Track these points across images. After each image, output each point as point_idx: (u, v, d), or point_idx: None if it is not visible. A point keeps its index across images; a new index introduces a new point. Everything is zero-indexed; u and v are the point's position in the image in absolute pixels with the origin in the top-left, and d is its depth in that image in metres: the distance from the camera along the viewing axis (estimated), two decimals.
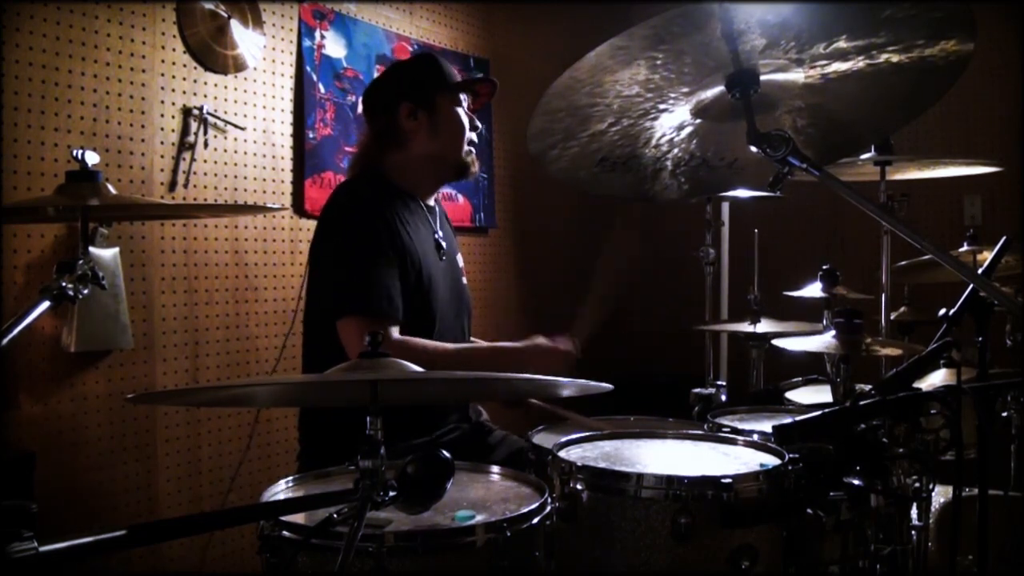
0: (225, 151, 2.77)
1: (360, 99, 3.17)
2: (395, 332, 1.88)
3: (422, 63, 2.21)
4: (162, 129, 2.59)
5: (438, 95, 2.08)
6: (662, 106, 1.43)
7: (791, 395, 2.28)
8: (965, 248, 2.41)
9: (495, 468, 1.52)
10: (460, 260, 2.23)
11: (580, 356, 1.97)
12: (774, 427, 1.45)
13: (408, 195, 2.06)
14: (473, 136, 2.13)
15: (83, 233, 1.50)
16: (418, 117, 2.07)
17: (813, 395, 2.26)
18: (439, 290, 2.02)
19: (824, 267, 2.19)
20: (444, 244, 2.12)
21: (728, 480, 1.29)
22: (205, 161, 2.70)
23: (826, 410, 1.46)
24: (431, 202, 2.17)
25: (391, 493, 1.02)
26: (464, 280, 2.22)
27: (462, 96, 2.11)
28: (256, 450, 2.85)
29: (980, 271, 1.61)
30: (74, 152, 1.40)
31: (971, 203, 3.44)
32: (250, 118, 2.83)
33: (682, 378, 2.50)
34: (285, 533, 1.20)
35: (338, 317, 1.87)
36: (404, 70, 2.23)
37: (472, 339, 2.24)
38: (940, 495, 1.96)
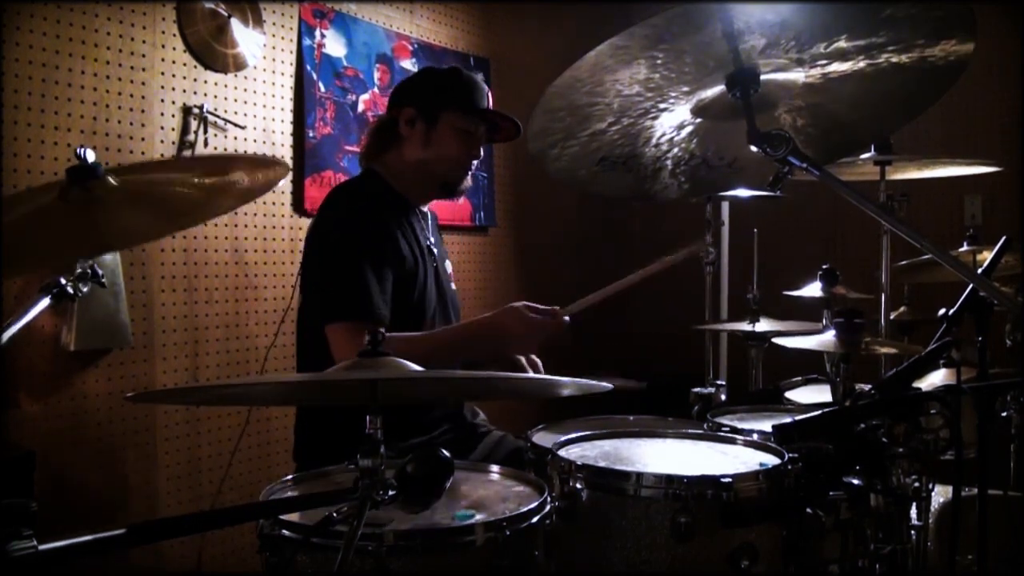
0: (225, 150, 2.76)
1: (360, 97, 3.19)
2: None
3: (445, 76, 2.16)
4: (162, 128, 2.59)
5: (443, 111, 2.06)
6: (662, 105, 1.43)
7: (791, 395, 2.28)
8: (965, 248, 2.41)
9: (495, 467, 1.52)
10: (449, 267, 2.23)
11: (565, 329, 1.94)
12: (774, 427, 1.45)
13: (402, 199, 2.07)
14: (473, 163, 2.11)
15: None
16: (415, 125, 2.06)
17: (813, 395, 2.26)
18: (430, 296, 2.03)
19: (824, 267, 2.19)
20: (435, 251, 2.13)
21: (728, 479, 1.29)
22: None
23: (826, 410, 1.46)
24: (424, 208, 2.17)
25: (391, 492, 1.02)
26: (453, 286, 2.23)
27: (469, 121, 2.07)
28: (256, 449, 2.85)
29: (980, 271, 1.61)
30: (78, 150, 1.39)
31: (971, 203, 3.44)
32: (250, 117, 2.83)
33: (682, 377, 2.49)
34: (285, 532, 1.20)
35: (326, 322, 1.88)
36: (425, 77, 2.20)
37: None
38: (940, 495, 1.97)
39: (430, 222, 2.19)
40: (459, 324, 2.14)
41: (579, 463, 1.39)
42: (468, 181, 2.14)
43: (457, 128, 2.06)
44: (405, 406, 1.44)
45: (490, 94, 2.14)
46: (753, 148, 1.31)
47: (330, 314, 1.88)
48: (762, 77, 1.34)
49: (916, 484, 1.46)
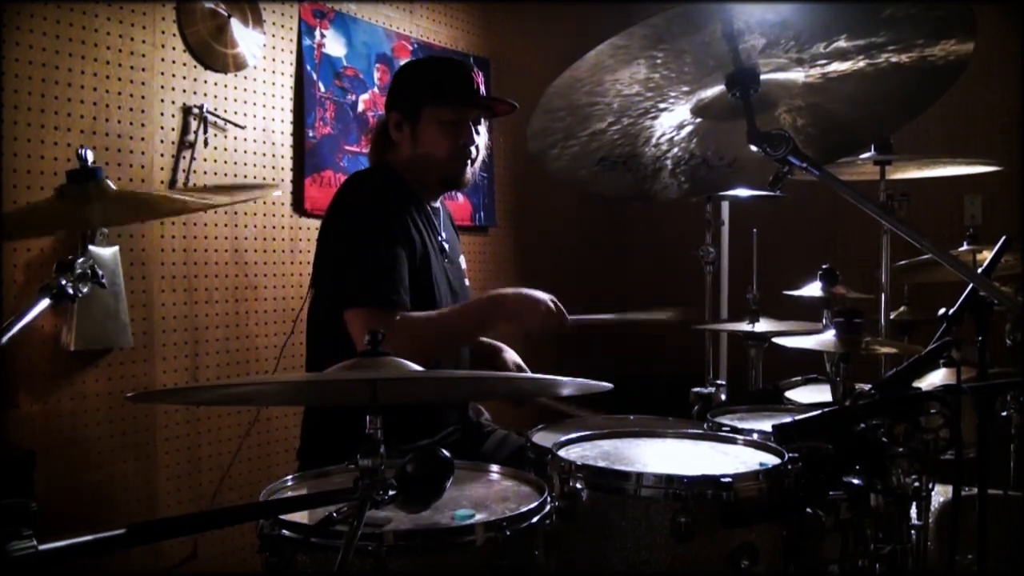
0: (225, 150, 2.77)
1: (360, 97, 3.19)
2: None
3: (419, 71, 2.14)
4: (162, 128, 2.59)
5: (423, 108, 2.02)
6: (662, 105, 1.43)
7: (791, 394, 2.28)
8: (965, 248, 2.41)
9: (495, 467, 1.52)
10: (463, 263, 2.23)
11: (565, 324, 2.03)
12: (774, 426, 1.45)
13: (414, 193, 2.06)
14: (471, 150, 2.06)
15: (83, 231, 1.50)
16: (403, 129, 2.05)
17: (813, 394, 2.26)
18: (441, 291, 2.02)
19: (824, 267, 2.19)
20: (447, 246, 2.12)
21: (728, 479, 1.29)
22: (205, 160, 2.70)
23: (826, 410, 1.46)
24: (436, 204, 2.16)
25: (391, 492, 1.02)
26: (466, 282, 2.22)
27: (454, 112, 2.02)
28: (255, 449, 2.85)
29: (980, 271, 1.61)
30: (78, 151, 1.40)
31: (971, 203, 3.44)
32: (250, 117, 2.83)
33: (682, 377, 2.49)
34: (285, 532, 1.20)
35: (346, 307, 1.86)
36: (402, 77, 2.16)
37: None
38: (940, 494, 1.96)
39: (443, 217, 2.18)
40: (471, 300, 2.13)
41: (579, 463, 1.39)
42: (470, 171, 2.09)
43: (442, 122, 2.02)
44: (409, 406, 1.43)
45: (476, 73, 2.08)
46: (753, 148, 1.31)
47: (349, 300, 1.85)
48: (762, 77, 1.34)
49: (916, 484, 1.45)
